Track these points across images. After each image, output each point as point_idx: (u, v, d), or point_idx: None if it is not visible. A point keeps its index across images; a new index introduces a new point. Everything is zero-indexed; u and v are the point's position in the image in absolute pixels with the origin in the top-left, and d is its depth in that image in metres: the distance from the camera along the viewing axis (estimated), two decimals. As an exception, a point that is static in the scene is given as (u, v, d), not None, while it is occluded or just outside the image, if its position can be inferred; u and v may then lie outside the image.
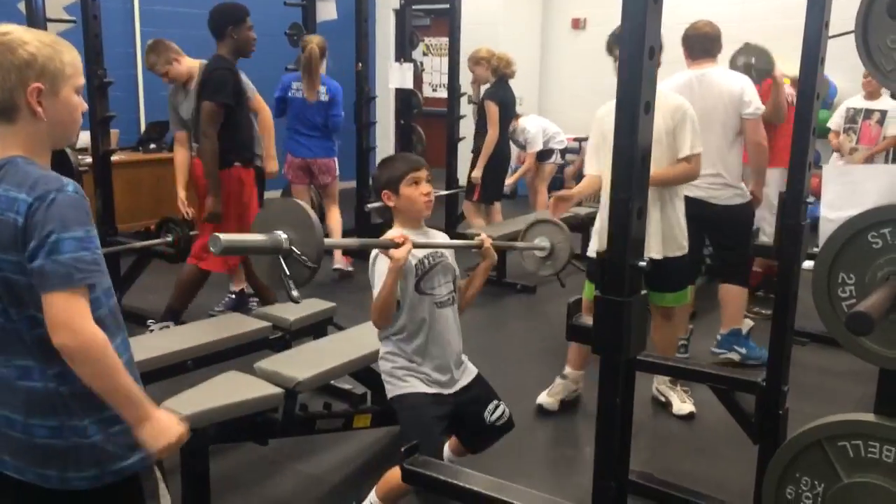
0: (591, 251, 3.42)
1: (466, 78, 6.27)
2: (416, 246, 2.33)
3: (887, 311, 1.52)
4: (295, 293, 1.84)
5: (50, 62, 1.50)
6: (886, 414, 1.67)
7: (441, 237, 2.64)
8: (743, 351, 4.02)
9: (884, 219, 1.63)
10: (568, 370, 3.64)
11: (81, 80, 1.58)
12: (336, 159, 5.59)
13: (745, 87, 3.80)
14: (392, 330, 2.48)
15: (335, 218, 5.70)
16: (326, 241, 1.87)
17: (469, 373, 2.63)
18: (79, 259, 1.45)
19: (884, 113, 6.05)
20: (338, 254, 5.78)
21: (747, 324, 4.14)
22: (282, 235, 1.83)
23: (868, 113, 6.09)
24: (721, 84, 3.80)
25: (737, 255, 3.99)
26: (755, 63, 4.25)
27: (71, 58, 1.55)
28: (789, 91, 4.83)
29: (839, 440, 1.71)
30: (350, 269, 5.72)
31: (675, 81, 3.85)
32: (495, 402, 2.62)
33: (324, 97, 5.37)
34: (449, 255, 2.58)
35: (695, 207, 3.76)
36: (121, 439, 1.60)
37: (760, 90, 4.11)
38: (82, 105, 1.60)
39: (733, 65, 4.25)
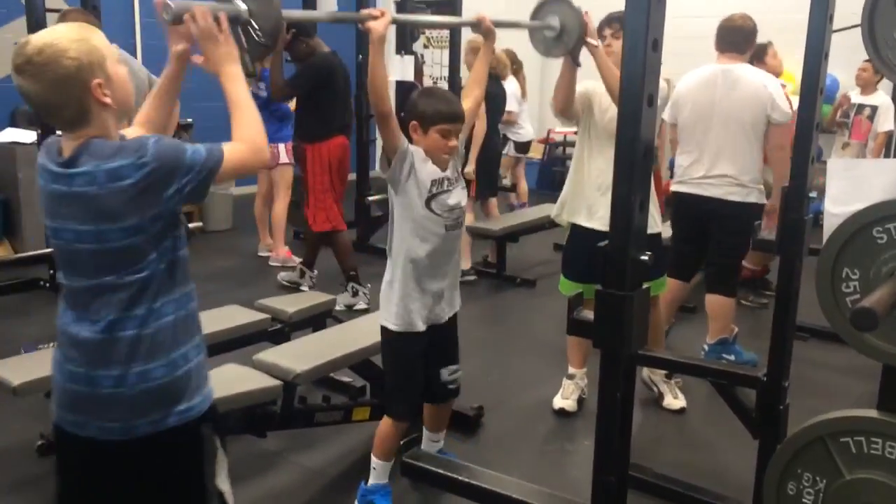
0: (555, 215, 3.45)
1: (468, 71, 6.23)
2: (394, 21, 2.26)
3: (892, 306, 1.51)
4: (251, 66, 1.79)
5: (91, 56, 1.52)
6: (889, 410, 1.66)
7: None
8: (731, 358, 3.92)
9: (889, 214, 1.62)
10: (572, 370, 3.61)
11: (113, 51, 1.61)
12: (283, 145, 5.56)
13: (774, 90, 3.65)
14: (401, 247, 2.49)
15: (279, 206, 5.63)
16: (287, 12, 1.82)
17: (453, 306, 2.67)
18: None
19: (874, 108, 6.01)
20: (280, 248, 5.69)
21: (732, 329, 4.05)
22: (241, 5, 1.76)
23: (860, 108, 6.06)
24: (749, 83, 3.65)
25: (730, 256, 3.85)
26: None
27: (100, 40, 1.57)
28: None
29: (841, 436, 1.70)
30: (293, 264, 5.41)
31: (699, 74, 3.78)
32: (456, 365, 2.71)
33: (262, 92, 5.34)
34: (461, 186, 2.58)
35: (707, 205, 3.73)
36: (185, 382, 1.62)
37: None
38: (123, 69, 1.64)
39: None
